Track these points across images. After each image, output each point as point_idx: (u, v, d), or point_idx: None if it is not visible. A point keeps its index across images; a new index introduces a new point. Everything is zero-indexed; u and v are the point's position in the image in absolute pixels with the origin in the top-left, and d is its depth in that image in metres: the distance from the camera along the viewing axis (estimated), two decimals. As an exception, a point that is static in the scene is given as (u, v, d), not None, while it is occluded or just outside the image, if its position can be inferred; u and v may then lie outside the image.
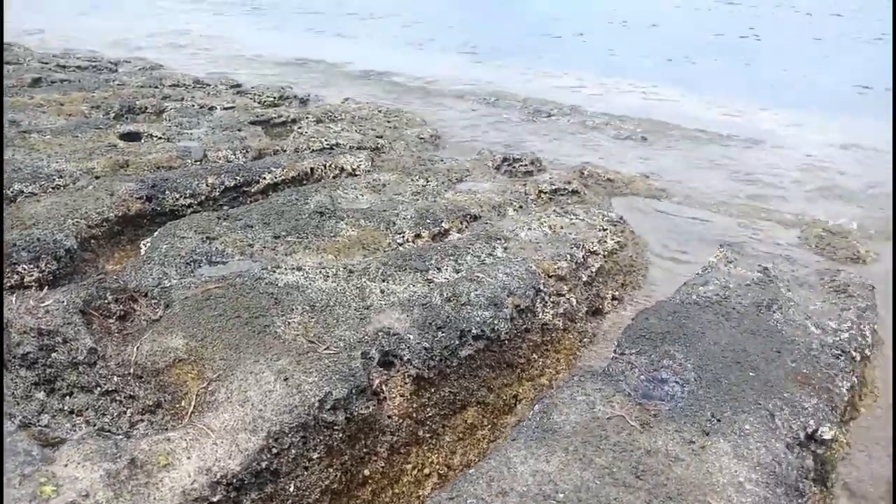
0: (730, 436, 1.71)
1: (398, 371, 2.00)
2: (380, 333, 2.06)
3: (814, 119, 5.96)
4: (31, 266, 2.25)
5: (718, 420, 1.77)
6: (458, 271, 2.56)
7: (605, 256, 2.96)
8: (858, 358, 2.30)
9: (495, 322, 2.27)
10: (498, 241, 2.85)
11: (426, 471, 2.01)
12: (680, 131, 5.39)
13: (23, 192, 2.94)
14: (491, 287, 2.40)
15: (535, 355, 2.44)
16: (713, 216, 3.80)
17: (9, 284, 2.18)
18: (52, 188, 3.04)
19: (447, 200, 3.26)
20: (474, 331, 2.20)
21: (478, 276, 2.47)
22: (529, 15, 10.20)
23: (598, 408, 1.77)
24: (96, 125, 4.01)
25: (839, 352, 2.27)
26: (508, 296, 2.39)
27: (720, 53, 8.69)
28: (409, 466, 1.97)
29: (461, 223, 3.11)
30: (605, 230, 3.13)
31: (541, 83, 6.64)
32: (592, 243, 2.94)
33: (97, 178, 3.20)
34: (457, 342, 2.14)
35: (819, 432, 1.84)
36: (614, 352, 2.13)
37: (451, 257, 2.64)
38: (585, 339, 2.65)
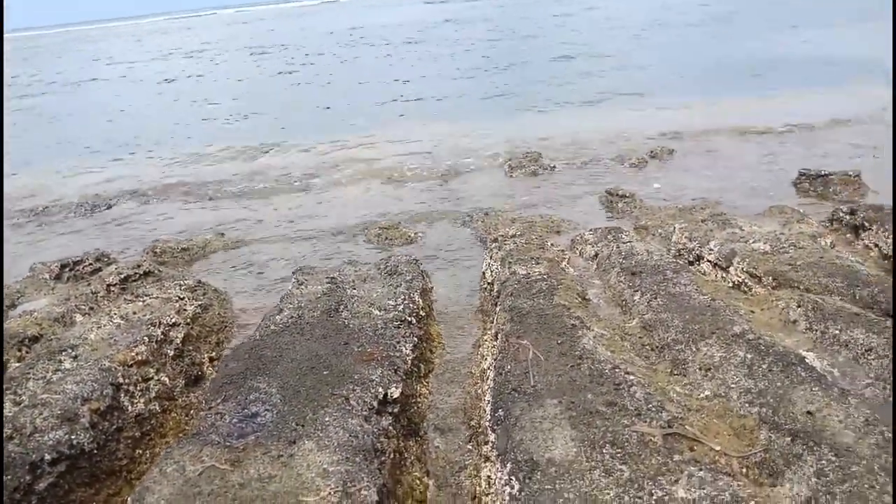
0: (313, 434, 1.89)
1: (-42, 545, 1.72)
2: (-81, 516, 1.73)
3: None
4: None
5: (302, 426, 1.94)
6: (18, 403, 2.28)
7: (188, 324, 2.95)
8: (414, 321, 2.75)
9: (73, 437, 2.09)
10: (64, 353, 2.61)
11: None
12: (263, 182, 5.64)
13: None
14: (60, 403, 2.20)
15: (138, 450, 2.32)
16: (286, 248, 4.09)
17: None
18: None
19: (-5, 333, 2.86)
20: (49, 456, 2.00)
21: (42, 399, 2.24)
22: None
23: (188, 469, 1.78)
24: None
25: (399, 322, 2.67)
26: (83, 403, 2.23)
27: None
28: None
29: (19, 351, 2.77)
30: (182, 299, 3.12)
31: (85, 178, 6.24)
32: (170, 316, 2.91)
33: None
34: (30, 478, 1.92)
35: (389, 395, 2.15)
36: (202, 409, 2.15)
37: (8, 392, 2.34)
38: (192, 411, 2.62)
